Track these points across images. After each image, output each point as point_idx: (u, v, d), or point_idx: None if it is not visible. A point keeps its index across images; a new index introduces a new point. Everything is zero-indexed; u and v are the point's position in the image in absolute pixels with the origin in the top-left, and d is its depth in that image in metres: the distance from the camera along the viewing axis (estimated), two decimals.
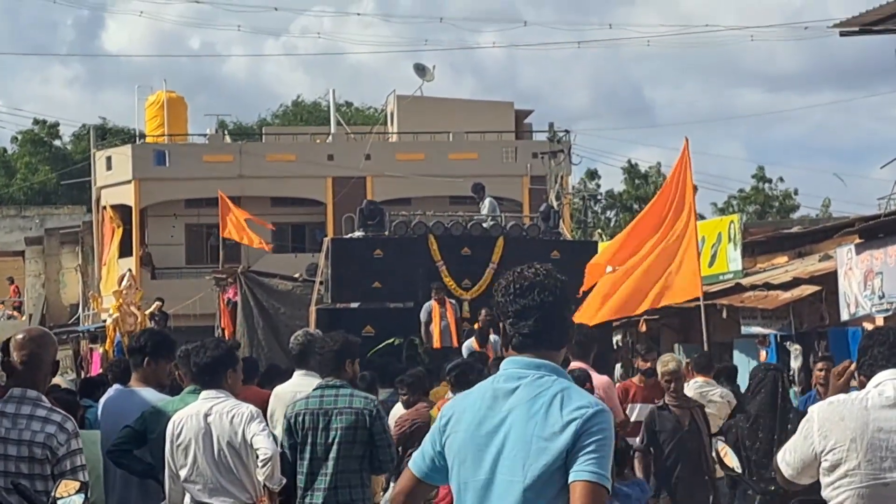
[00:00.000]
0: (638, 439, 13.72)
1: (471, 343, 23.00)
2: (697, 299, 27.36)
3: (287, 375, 12.61)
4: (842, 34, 30.25)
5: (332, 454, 10.11)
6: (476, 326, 24.17)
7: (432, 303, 24.65)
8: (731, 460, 8.79)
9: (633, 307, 21.23)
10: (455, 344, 24.02)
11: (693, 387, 15.74)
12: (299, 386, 11.45)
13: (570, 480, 5.24)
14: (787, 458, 6.62)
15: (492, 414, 5.46)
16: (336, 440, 10.11)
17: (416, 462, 5.75)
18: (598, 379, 13.52)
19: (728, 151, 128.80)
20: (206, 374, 9.83)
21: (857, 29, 29.66)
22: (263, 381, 14.39)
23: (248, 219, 35.30)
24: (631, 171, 68.71)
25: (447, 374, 14.46)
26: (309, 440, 10.17)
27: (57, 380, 27.13)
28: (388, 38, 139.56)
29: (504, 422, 5.43)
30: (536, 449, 5.31)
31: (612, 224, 66.74)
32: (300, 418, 10.22)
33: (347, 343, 10.67)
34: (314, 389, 10.41)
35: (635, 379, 15.93)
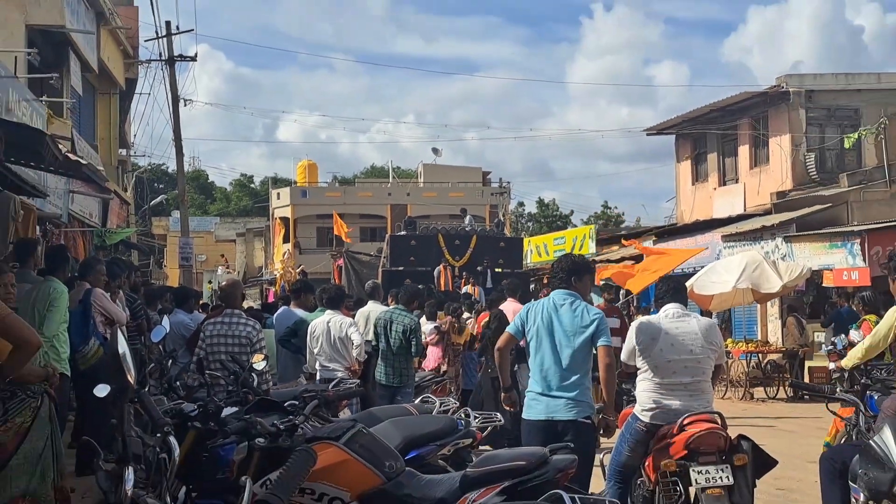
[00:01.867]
0: None
1: (467, 289, 22.98)
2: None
3: (364, 303, 12.63)
4: (648, 134, 30.14)
5: (392, 345, 10.12)
6: (463, 282, 24.16)
7: (440, 267, 24.70)
8: None
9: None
10: (451, 289, 24.03)
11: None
12: (370, 309, 11.59)
13: (597, 345, 6.23)
14: (623, 351, 6.62)
15: (555, 314, 6.31)
16: (394, 338, 10.13)
17: (511, 328, 6.48)
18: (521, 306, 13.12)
19: (590, 193, 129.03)
20: (332, 302, 9.92)
21: (656, 132, 29.61)
22: (355, 306, 14.35)
23: (349, 231, 35.18)
24: (540, 203, 68.82)
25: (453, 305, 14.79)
26: (382, 335, 10.18)
27: (249, 303, 26.95)
28: (419, 134, 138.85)
29: (561, 318, 6.28)
30: (579, 331, 6.24)
31: (530, 229, 66.55)
32: (380, 323, 10.26)
33: (415, 290, 10.92)
34: (388, 309, 10.53)
35: (602, 304, 14.54)
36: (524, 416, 6.30)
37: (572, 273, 6.45)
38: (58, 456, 5.76)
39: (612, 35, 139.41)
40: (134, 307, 10.45)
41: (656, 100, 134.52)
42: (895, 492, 4.85)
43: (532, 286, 29.66)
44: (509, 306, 12.40)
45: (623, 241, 24.82)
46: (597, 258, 29.31)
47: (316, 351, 9.67)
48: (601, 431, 6.40)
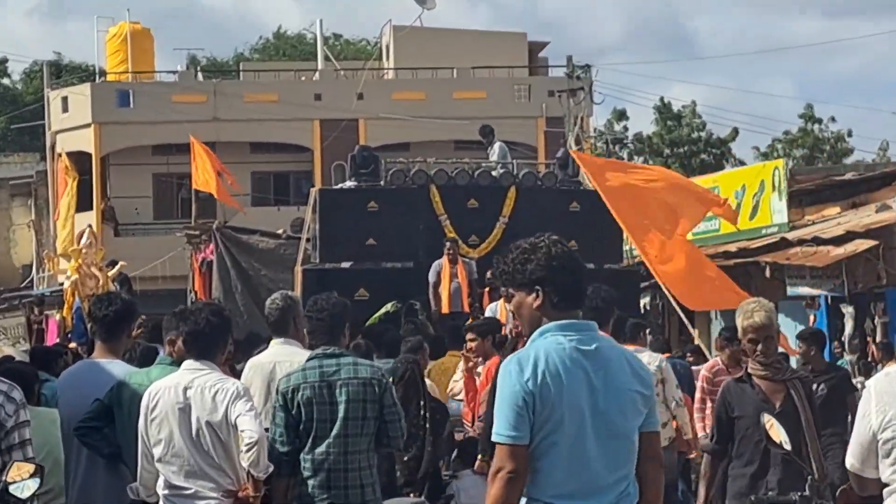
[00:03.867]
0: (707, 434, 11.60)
1: (497, 306, 22.41)
2: (737, 255, 27.42)
3: (263, 346, 12.64)
4: None
5: (339, 432, 10.00)
6: (486, 294, 24.07)
7: (443, 261, 24.39)
8: (779, 434, 8.82)
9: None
10: (466, 308, 23.70)
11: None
12: (278, 356, 11.30)
13: (645, 430, 7.13)
14: (851, 448, 6.67)
15: (591, 370, 6.99)
16: (342, 416, 10.00)
17: (515, 436, 6.90)
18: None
19: (776, 88, 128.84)
20: (199, 343, 9.85)
21: None
22: (243, 351, 14.43)
23: (219, 171, 35.08)
24: (663, 110, 68.25)
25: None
26: (313, 416, 10.00)
27: (9, 350, 27.18)
28: None
29: (605, 377, 6.99)
30: (637, 400, 7.06)
31: None
32: (299, 393, 10.04)
33: (344, 306, 10.63)
34: (309, 360, 10.26)
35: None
36: None
37: (572, 282, 7.25)
38: None
39: None
40: None
41: None
42: None
43: (646, 300, 29.81)
44: None
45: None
46: (788, 235, 29.45)
47: (158, 452, 9.71)
48: None
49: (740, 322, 10.45)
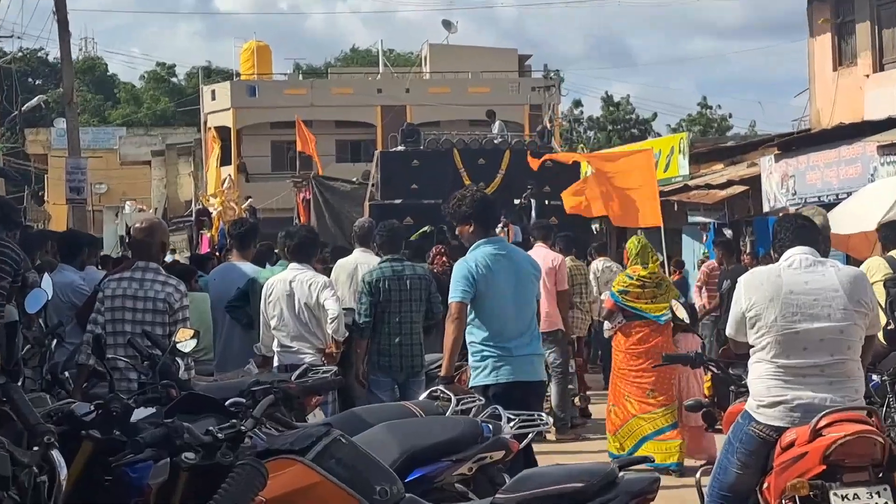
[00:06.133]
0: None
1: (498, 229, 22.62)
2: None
3: (347, 252, 12.60)
4: None
5: (406, 308, 10.24)
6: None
7: None
8: (681, 312, 8.81)
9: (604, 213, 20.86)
10: None
11: (601, 264, 17.79)
12: (358, 259, 11.54)
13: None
14: (729, 323, 6.67)
15: (507, 264, 8.20)
16: (408, 298, 10.24)
17: (462, 297, 8.07)
18: (554, 255, 13.75)
19: (682, 86, 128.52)
20: (299, 251, 9.93)
21: None
22: (333, 256, 14.40)
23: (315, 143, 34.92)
24: (607, 100, 68.17)
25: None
26: (390, 298, 10.20)
27: (177, 257, 27.08)
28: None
29: (515, 267, 8.26)
30: (531, 280, 8.37)
31: (591, 141, 66.19)
32: (380, 283, 10.24)
33: (403, 230, 11.35)
34: (383, 262, 10.48)
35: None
36: (480, 381, 7.99)
37: (489, 215, 8.40)
38: None
39: None
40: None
41: None
42: None
43: (595, 225, 29.66)
44: (539, 253, 12.55)
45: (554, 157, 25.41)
46: (689, 182, 29.27)
47: (274, 323, 9.70)
48: None
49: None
